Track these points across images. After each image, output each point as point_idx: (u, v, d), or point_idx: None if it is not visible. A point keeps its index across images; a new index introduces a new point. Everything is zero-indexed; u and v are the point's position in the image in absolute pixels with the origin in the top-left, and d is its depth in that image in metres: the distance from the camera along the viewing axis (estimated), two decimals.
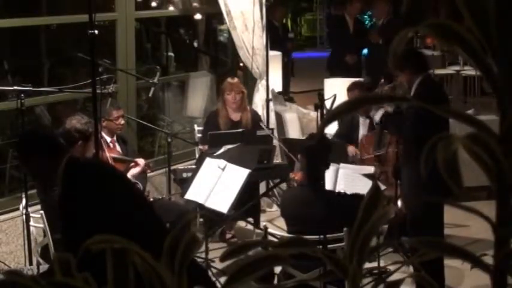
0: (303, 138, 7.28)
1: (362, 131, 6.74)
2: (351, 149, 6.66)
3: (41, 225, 5.06)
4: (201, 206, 5.54)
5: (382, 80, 5.76)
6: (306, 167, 4.86)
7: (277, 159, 6.96)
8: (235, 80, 6.78)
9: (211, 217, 5.79)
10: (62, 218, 3.44)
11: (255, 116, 6.89)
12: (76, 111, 6.04)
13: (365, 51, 10.61)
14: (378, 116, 6.02)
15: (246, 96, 6.84)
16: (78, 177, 3.46)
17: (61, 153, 3.50)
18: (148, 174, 6.35)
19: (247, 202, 6.02)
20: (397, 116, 5.50)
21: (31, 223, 5.03)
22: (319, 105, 4.73)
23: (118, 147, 6.01)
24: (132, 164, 5.84)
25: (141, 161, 5.86)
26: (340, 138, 6.78)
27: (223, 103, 6.70)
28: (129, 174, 5.74)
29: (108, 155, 5.69)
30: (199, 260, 5.49)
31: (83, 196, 3.40)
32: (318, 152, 4.74)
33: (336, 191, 5.33)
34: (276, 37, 9.98)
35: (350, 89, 6.82)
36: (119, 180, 3.71)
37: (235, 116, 6.73)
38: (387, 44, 9.17)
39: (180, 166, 6.67)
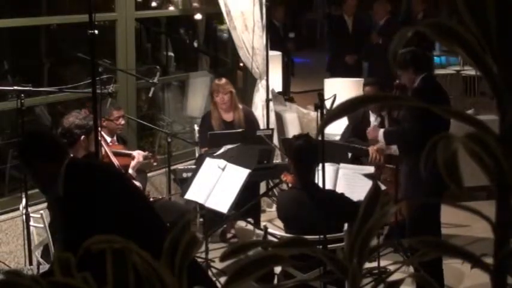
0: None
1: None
2: (372, 150, 6.43)
3: (41, 225, 5.06)
4: (201, 206, 5.54)
5: (398, 81, 5.70)
6: (295, 168, 4.85)
7: (277, 159, 6.96)
8: (222, 81, 6.74)
9: (211, 217, 5.79)
10: (62, 218, 3.44)
11: (249, 114, 6.89)
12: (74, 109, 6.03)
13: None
14: (380, 135, 5.95)
15: (236, 95, 6.83)
16: (78, 178, 3.46)
17: (62, 155, 3.50)
18: (148, 174, 6.34)
19: (247, 202, 6.03)
20: (397, 131, 5.49)
21: (31, 223, 5.03)
22: (319, 105, 4.72)
23: (120, 145, 6.01)
24: (132, 157, 5.82)
25: (136, 153, 5.84)
26: (353, 135, 6.61)
27: (213, 105, 6.70)
28: (130, 168, 5.72)
29: (108, 149, 5.69)
30: (199, 260, 5.49)
31: (83, 197, 3.40)
32: (305, 153, 4.73)
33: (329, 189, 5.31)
34: (276, 37, 9.98)
35: (366, 84, 6.79)
36: (120, 180, 3.71)
37: (228, 117, 6.73)
38: (387, 44, 9.17)
39: (180, 166, 6.67)
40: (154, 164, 6.20)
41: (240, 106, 6.84)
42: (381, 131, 5.73)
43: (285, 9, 11.30)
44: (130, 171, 5.69)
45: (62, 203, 3.43)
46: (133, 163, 5.74)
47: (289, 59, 11.21)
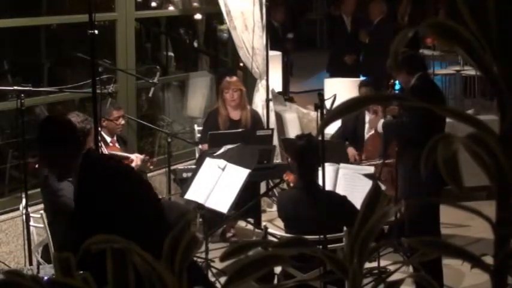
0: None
1: (368, 129, 6.66)
2: (351, 152, 6.59)
3: (41, 225, 5.06)
4: (201, 206, 5.53)
5: (392, 81, 5.74)
6: (297, 168, 4.85)
7: (277, 159, 6.96)
8: (234, 78, 6.79)
9: (211, 217, 5.79)
10: (76, 212, 3.43)
11: (255, 115, 6.89)
12: (73, 109, 6.03)
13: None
14: (379, 125, 5.96)
15: (245, 94, 6.84)
16: (94, 173, 3.44)
17: (80, 144, 3.46)
18: (148, 174, 6.34)
19: (247, 202, 6.02)
20: (396, 122, 5.50)
21: (31, 223, 5.03)
22: (319, 105, 4.72)
23: (118, 148, 6.00)
24: (130, 160, 5.82)
25: (134, 157, 5.83)
26: (343, 135, 6.70)
27: (222, 102, 6.72)
28: None
29: (107, 151, 5.68)
30: (199, 260, 5.49)
31: (98, 193, 3.38)
32: (307, 153, 4.73)
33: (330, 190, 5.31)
34: (275, 37, 9.98)
35: (361, 85, 6.82)
36: (134, 178, 3.68)
37: (235, 115, 6.73)
38: (378, 44, 9.20)
39: (180, 166, 6.67)
40: (151, 167, 6.22)
41: (248, 107, 6.86)
42: (381, 121, 5.76)
43: (285, 10, 11.28)
44: None
45: (77, 197, 3.41)
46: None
47: (288, 59, 11.17)
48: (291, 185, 5.43)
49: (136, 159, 5.78)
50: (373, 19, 9.95)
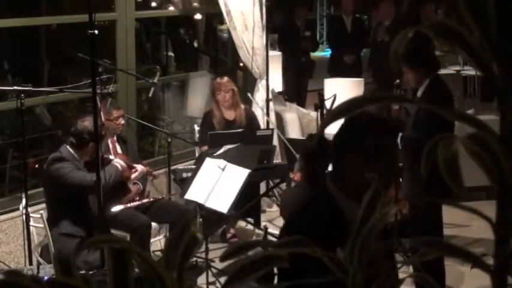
0: (303, 138, 7.23)
1: None
2: None
3: (41, 225, 5.06)
4: (201, 206, 5.54)
5: (398, 81, 5.66)
6: (305, 167, 4.86)
7: (277, 159, 6.95)
8: (224, 79, 6.77)
9: (211, 217, 5.79)
10: None
11: (250, 112, 6.90)
12: (86, 112, 6.04)
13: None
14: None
15: (237, 93, 6.84)
16: None
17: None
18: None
19: (247, 202, 6.02)
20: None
21: (31, 223, 5.03)
22: (319, 105, 4.73)
23: (118, 148, 6.00)
24: (134, 170, 5.85)
25: (139, 167, 5.87)
26: None
27: (215, 103, 6.72)
28: (130, 179, 5.77)
29: (115, 158, 5.68)
30: (199, 260, 5.49)
31: None
32: (316, 153, 4.74)
33: None
34: (297, 36, 9.93)
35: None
36: None
37: (229, 115, 6.73)
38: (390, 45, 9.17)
39: (180, 166, 6.67)
40: (152, 180, 6.29)
41: (242, 106, 6.85)
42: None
43: (307, 9, 11.10)
44: (129, 184, 5.77)
45: None
46: (134, 175, 5.79)
47: (307, 58, 10.69)
48: (293, 184, 5.43)
49: (141, 169, 5.85)
50: (383, 20, 9.94)
